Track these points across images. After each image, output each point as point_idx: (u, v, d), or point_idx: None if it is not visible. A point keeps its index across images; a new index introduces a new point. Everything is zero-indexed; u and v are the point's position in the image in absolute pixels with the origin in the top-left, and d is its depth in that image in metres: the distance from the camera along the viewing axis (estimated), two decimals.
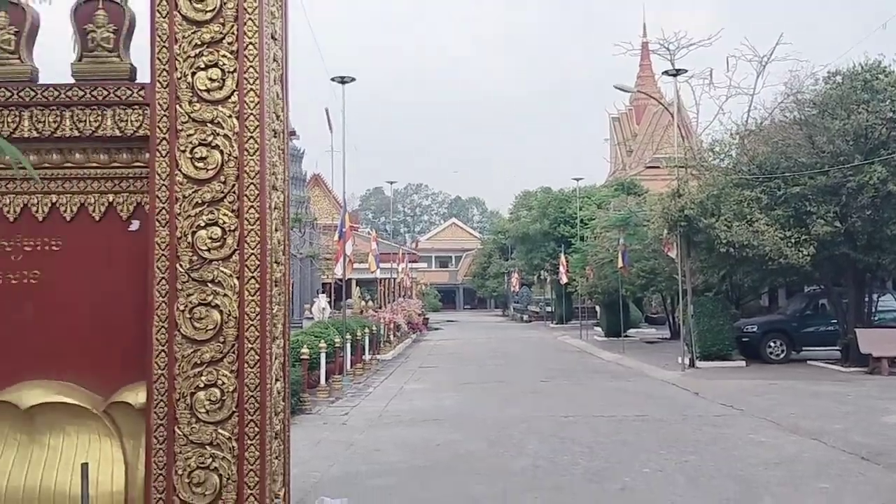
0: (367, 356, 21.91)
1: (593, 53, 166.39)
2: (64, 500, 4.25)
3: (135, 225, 4.70)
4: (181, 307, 4.38)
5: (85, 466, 4.04)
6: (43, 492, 4.28)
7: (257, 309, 4.44)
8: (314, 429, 11.49)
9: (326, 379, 15.74)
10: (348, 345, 18.67)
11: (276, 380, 4.67)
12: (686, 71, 21.99)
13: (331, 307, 25.90)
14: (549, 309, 50.81)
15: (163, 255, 4.40)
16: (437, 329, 43.42)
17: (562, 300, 45.04)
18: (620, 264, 25.04)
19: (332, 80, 22.00)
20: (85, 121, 4.55)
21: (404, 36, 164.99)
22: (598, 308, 38.63)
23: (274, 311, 4.62)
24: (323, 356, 15.62)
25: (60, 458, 4.36)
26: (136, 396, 4.42)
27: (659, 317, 37.54)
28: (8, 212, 4.68)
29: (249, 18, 4.49)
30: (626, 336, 27.85)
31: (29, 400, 4.39)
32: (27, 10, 4.71)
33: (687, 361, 19.55)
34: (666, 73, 22.60)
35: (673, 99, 26.83)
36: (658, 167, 36.15)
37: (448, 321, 51.89)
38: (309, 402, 13.86)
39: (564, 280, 36.81)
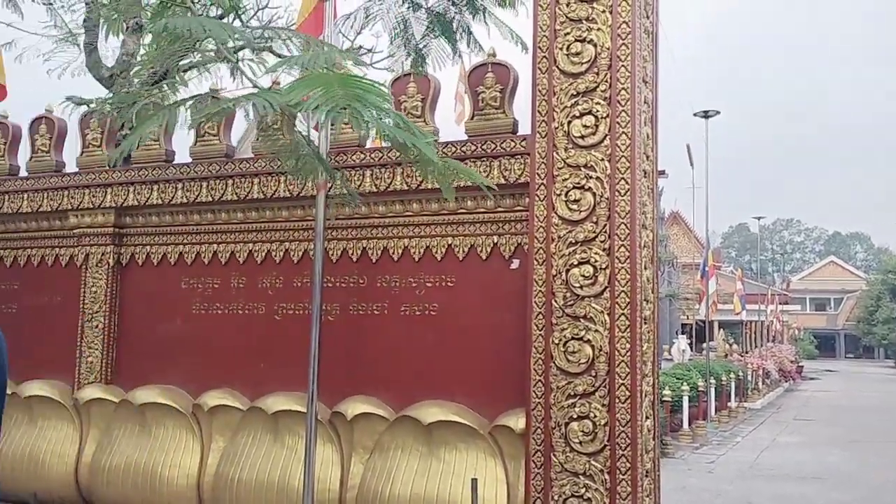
0: (732, 403, 20.63)
1: None
2: None
3: (515, 263, 5.15)
4: (556, 340, 4.66)
5: (475, 482, 4.49)
6: (439, 500, 4.83)
7: (627, 345, 4.53)
8: (678, 474, 11.15)
9: (689, 423, 15.18)
10: (712, 389, 17.80)
11: (647, 417, 4.70)
12: None
13: (691, 349, 24.97)
14: None
15: (540, 291, 4.74)
16: (813, 379, 39.16)
17: None
18: None
19: (695, 114, 21.50)
20: (476, 172, 5.14)
21: (766, 65, 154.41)
22: None
23: (643, 349, 4.67)
24: (686, 400, 15.12)
25: (453, 471, 4.89)
26: (516, 422, 4.79)
27: None
28: (414, 253, 5.46)
29: (622, 66, 4.68)
30: None
31: (428, 417, 5.01)
32: (431, 80, 5.49)
33: None
34: None
35: None
36: None
37: (826, 370, 46.49)
38: (671, 445, 13.49)
39: None
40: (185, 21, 3.52)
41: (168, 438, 5.83)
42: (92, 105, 6.60)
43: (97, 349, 6.37)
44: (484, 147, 5.15)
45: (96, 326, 6.41)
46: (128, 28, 8.67)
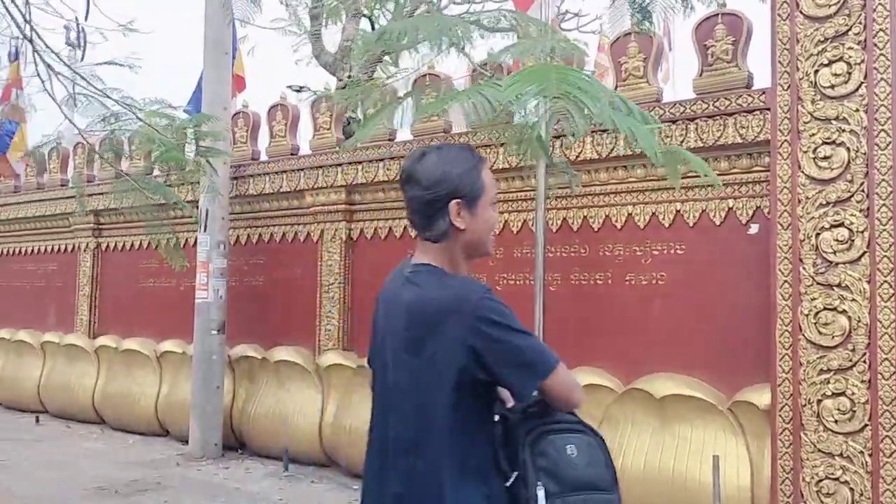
0: None
1: None
2: (694, 486, 4.56)
3: (754, 228, 4.80)
4: (805, 311, 4.29)
5: (716, 459, 4.28)
6: (676, 476, 4.67)
7: (892, 316, 4.07)
8: None
9: None
10: None
11: None
12: None
13: None
14: None
15: (785, 258, 4.38)
16: None
17: None
18: None
19: None
20: (708, 132, 4.84)
21: None
22: None
23: None
24: None
25: (689, 448, 4.70)
26: (760, 397, 4.49)
27: None
28: (639, 220, 5.27)
29: (879, 4, 4.16)
30: None
31: (661, 390, 4.84)
32: (654, 38, 5.23)
33: None
34: None
35: None
36: None
37: None
38: None
39: None
40: (429, 21, 3.56)
41: None
42: (317, 92, 6.99)
43: (334, 318, 6.84)
44: (716, 104, 4.83)
45: (332, 297, 6.87)
46: (347, 15, 9.13)
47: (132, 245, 8.81)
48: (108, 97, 4.64)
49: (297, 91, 12.72)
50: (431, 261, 1.79)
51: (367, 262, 6.82)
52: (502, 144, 5.75)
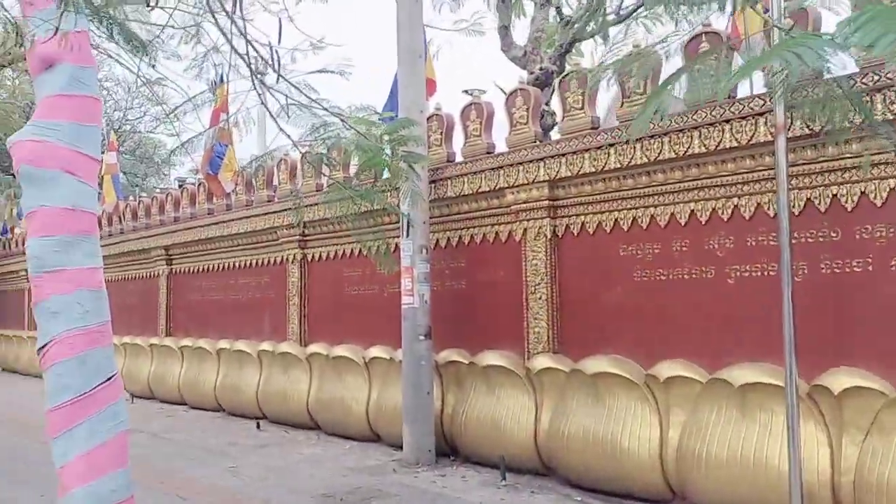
0: None
1: None
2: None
3: None
4: None
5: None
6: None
7: None
8: None
9: None
10: None
11: None
12: None
13: None
14: None
15: None
16: None
17: None
18: None
19: None
20: None
21: None
22: None
23: None
24: None
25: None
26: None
27: None
28: (845, 202, 4.53)
29: None
30: None
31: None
32: None
33: None
34: None
35: None
36: None
37: None
38: None
39: None
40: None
41: (622, 409, 5.71)
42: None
43: (542, 319, 6.54)
44: None
45: (539, 298, 6.57)
46: (536, 5, 8.83)
47: (335, 254, 9.03)
48: (320, 106, 4.65)
49: (472, 94, 12.60)
50: None
51: (574, 259, 6.46)
52: (727, 121, 5.19)
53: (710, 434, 5.17)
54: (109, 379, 3.92)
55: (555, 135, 8.72)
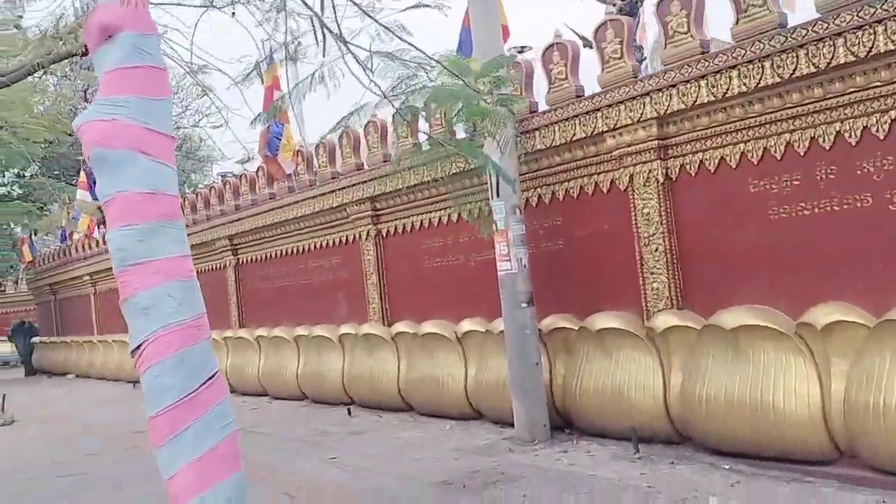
0: None
1: None
2: None
3: None
4: None
5: None
6: None
7: None
8: None
9: None
10: None
11: None
12: None
13: None
14: None
15: None
16: None
17: None
18: None
19: None
20: None
21: None
22: None
23: None
24: None
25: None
26: None
27: None
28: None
29: None
30: None
31: None
32: None
33: None
34: None
35: None
36: None
37: None
38: None
39: None
40: None
41: (771, 364, 5.06)
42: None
43: (661, 274, 5.90)
44: None
45: (655, 250, 5.93)
46: None
47: (412, 226, 8.49)
48: (414, 48, 4.06)
49: (520, 52, 11.90)
50: None
51: (693, 203, 5.78)
52: (880, 21, 4.44)
53: (886, 383, 4.49)
54: (212, 377, 3.45)
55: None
